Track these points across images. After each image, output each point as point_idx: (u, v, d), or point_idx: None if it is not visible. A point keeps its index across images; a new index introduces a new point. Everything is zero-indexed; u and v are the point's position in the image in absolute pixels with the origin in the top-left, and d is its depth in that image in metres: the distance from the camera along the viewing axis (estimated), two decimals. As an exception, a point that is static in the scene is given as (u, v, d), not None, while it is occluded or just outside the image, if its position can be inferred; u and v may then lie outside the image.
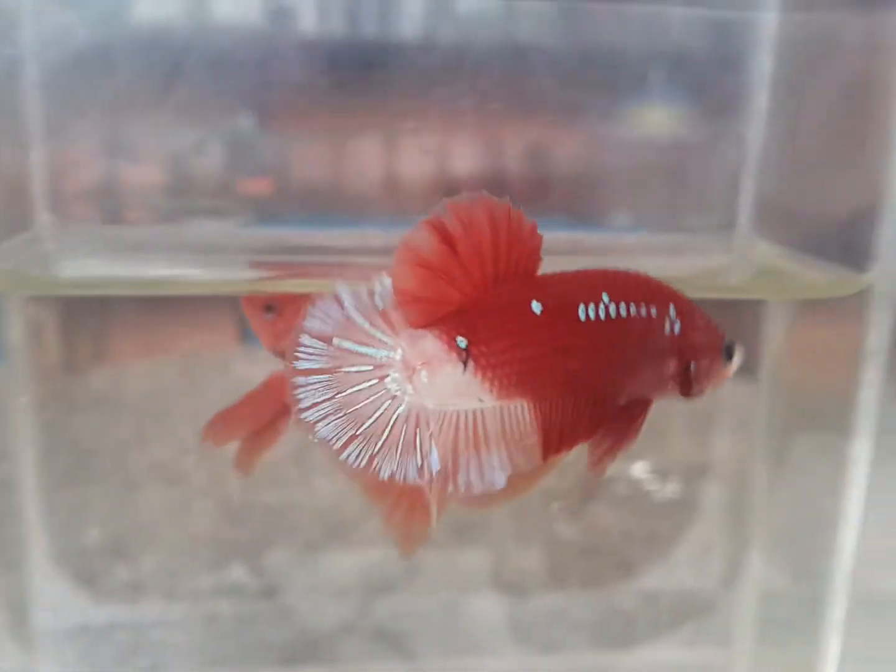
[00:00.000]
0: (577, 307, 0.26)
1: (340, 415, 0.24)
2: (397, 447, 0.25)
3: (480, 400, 0.25)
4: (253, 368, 0.52)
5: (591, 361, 0.26)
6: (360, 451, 0.24)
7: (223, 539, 0.49)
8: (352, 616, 0.46)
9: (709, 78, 0.39)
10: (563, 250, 0.39)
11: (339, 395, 0.24)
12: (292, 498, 0.49)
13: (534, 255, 0.26)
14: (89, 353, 0.55)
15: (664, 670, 0.45)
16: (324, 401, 0.24)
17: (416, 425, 0.25)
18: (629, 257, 0.39)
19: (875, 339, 0.32)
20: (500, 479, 0.25)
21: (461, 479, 0.25)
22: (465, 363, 0.24)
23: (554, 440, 0.26)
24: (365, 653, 0.45)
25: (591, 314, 0.26)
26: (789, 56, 0.37)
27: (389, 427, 0.24)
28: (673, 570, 0.46)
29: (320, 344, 0.24)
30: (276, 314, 0.35)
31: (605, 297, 0.26)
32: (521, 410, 0.25)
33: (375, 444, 0.24)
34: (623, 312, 0.26)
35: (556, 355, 0.25)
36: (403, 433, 0.25)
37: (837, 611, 0.33)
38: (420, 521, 0.31)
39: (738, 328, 0.46)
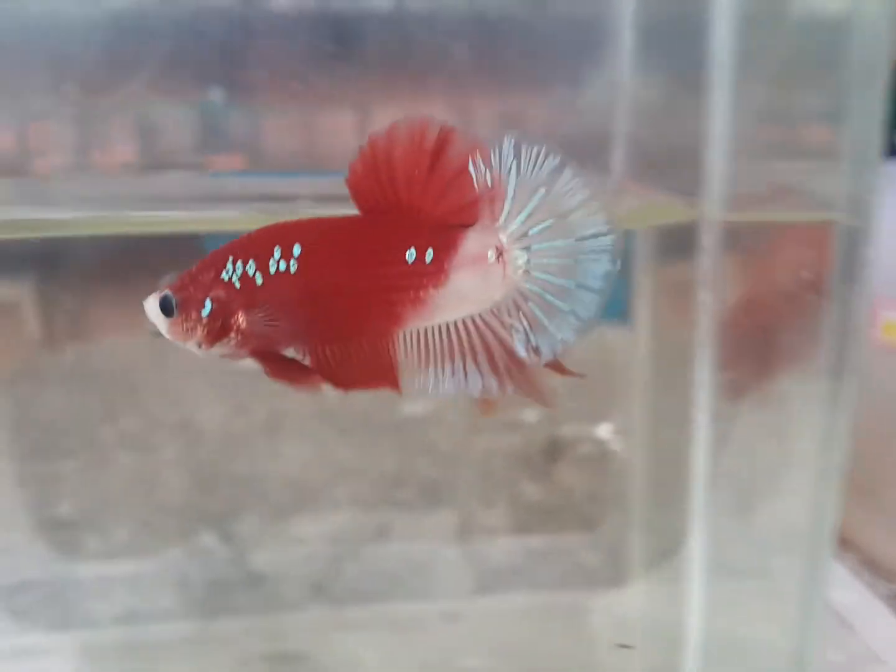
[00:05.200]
0: None
1: None
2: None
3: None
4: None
5: None
6: None
7: (193, 508, 0.50)
8: (321, 578, 0.47)
9: (578, 24, 0.39)
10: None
11: None
12: (261, 467, 0.50)
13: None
14: (61, 331, 0.55)
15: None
16: None
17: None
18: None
19: (706, 263, 0.33)
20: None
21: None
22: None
23: None
24: (335, 611, 0.46)
25: None
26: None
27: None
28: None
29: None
30: None
31: None
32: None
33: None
34: None
35: None
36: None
37: (700, 536, 0.34)
38: None
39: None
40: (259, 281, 0.27)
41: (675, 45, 0.37)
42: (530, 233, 0.26)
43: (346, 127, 0.45)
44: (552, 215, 0.26)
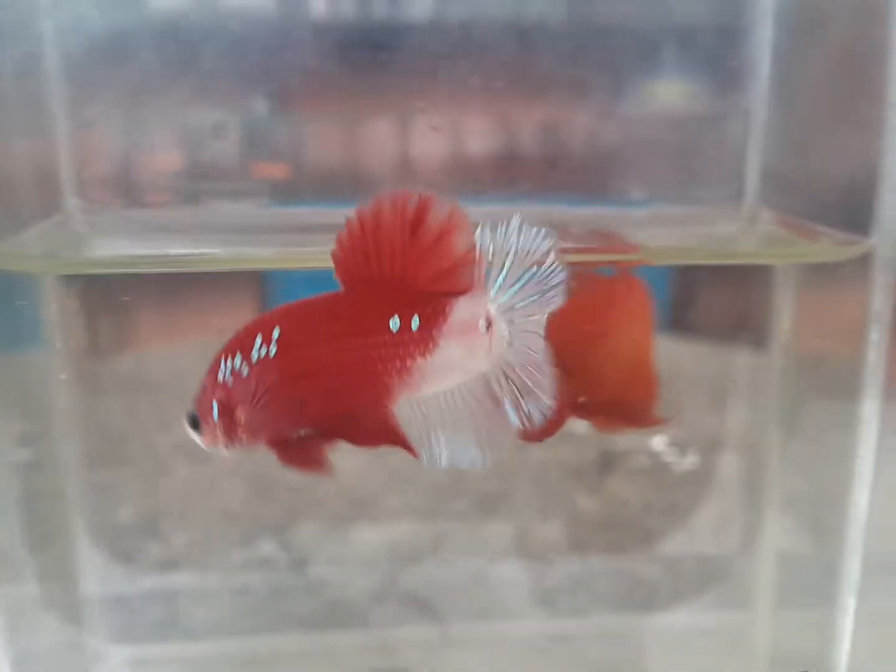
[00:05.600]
0: None
1: None
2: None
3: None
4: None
5: None
6: None
7: (252, 516, 0.51)
8: (380, 586, 0.47)
9: (713, 52, 0.39)
10: (575, 223, 0.40)
11: None
12: (315, 476, 0.50)
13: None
14: (114, 339, 0.56)
15: (685, 634, 0.46)
16: None
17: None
18: (641, 230, 0.40)
19: (879, 301, 0.33)
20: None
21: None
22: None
23: None
24: (393, 621, 0.47)
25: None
26: (789, 26, 0.38)
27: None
28: (692, 539, 0.47)
29: None
30: None
31: None
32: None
33: None
34: None
35: None
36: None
37: (852, 571, 0.34)
38: None
39: (748, 297, 0.46)
40: (245, 372, 0.28)
41: (827, 63, 0.37)
42: (517, 306, 0.26)
43: (387, 135, 0.45)
44: (535, 293, 0.26)
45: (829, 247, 0.35)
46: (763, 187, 0.40)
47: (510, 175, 0.44)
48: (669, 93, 0.39)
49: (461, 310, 0.26)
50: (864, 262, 0.34)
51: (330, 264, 0.28)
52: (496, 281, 0.26)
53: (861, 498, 0.35)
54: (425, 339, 0.27)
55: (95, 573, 0.49)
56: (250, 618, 0.48)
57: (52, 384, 0.47)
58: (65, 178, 0.42)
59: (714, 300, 0.48)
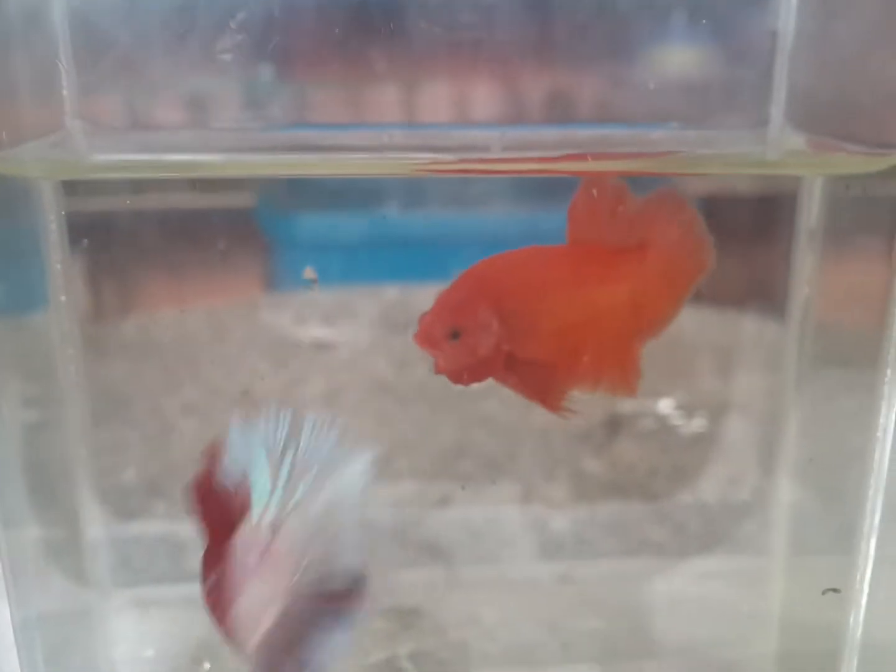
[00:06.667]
0: None
1: None
2: None
3: None
4: (278, 314, 0.54)
5: None
6: None
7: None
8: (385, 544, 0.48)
9: None
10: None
11: None
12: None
13: None
14: (117, 302, 0.56)
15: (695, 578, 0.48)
16: None
17: None
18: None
19: None
20: None
21: None
22: None
23: None
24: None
25: None
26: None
27: None
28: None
29: None
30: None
31: None
32: None
33: None
34: None
35: None
36: None
37: (871, 521, 0.34)
38: None
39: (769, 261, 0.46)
40: None
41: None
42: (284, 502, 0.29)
43: (392, 104, 0.45)
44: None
45: (859, 158, 0.34)
46: (791, 110, 0.39)
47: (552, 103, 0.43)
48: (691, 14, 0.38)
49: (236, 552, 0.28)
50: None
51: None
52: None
53: (883, 451, 0.34)
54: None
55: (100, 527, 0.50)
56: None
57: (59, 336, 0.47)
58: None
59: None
